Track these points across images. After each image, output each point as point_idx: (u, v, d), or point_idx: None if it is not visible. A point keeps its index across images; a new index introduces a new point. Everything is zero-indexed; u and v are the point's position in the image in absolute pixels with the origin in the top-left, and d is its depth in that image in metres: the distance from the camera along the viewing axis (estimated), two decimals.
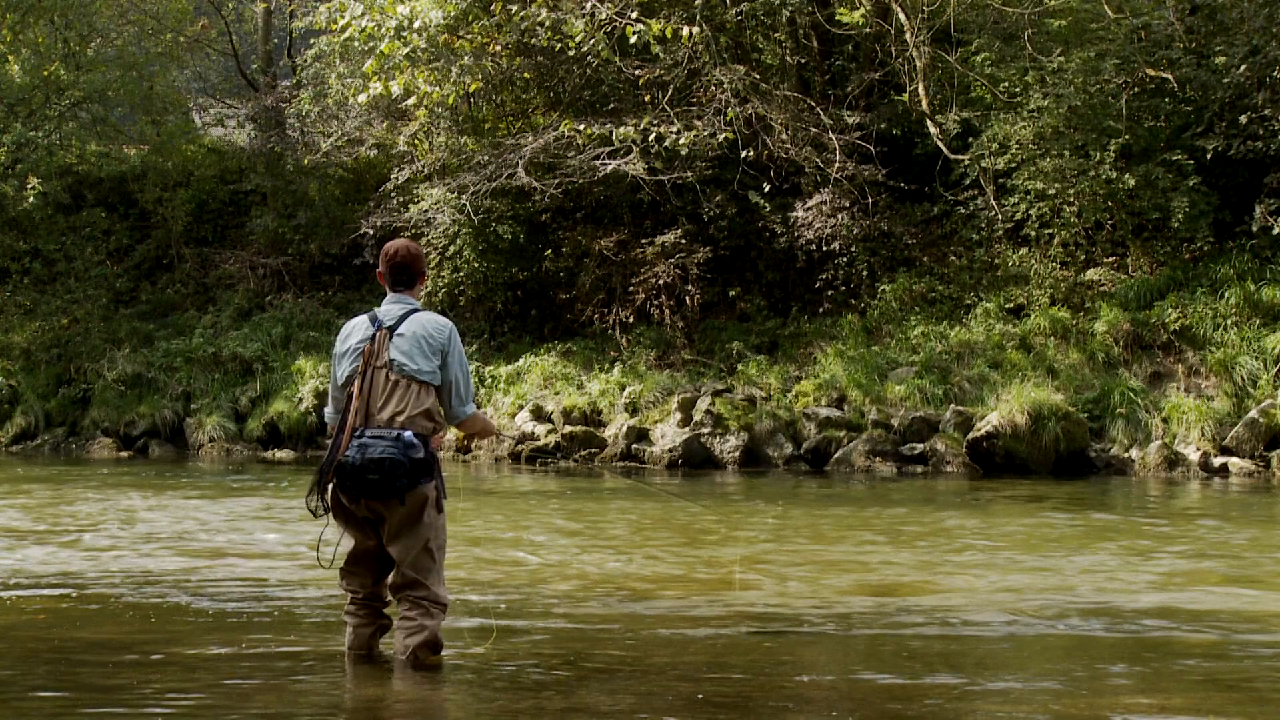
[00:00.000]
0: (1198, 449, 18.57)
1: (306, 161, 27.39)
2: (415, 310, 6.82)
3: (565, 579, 9.94)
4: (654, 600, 9.01)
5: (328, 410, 6.96)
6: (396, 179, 24.58)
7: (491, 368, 23.45)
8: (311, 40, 27.38)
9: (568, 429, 21.48)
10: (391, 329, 6.72)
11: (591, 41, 19.90)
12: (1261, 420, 18.38)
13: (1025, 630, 8.07)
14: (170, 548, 11.50)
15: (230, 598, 8.98)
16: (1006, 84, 22.03)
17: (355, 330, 6.85)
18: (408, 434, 6.55)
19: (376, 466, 6.48)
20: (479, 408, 6.86)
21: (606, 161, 22.31)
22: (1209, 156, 20.61)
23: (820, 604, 8.85)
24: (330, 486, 6.69)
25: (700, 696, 6.28)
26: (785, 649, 7.55)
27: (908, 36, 21.65)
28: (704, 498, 15.64)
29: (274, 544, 11.74)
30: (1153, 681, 6.71)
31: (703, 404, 20.84)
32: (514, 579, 9.92)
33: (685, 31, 18.37)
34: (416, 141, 24.59)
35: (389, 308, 6.85)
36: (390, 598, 6.86)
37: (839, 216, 22.52)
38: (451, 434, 6.50)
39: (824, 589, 9.45)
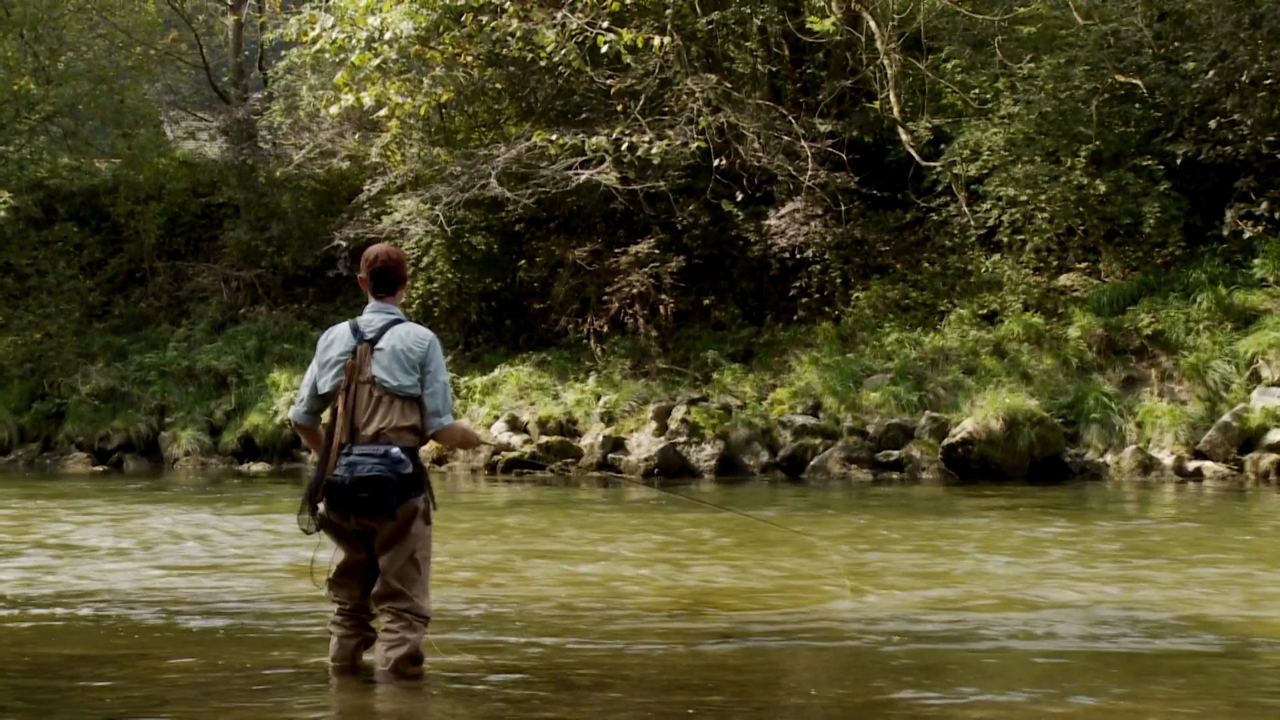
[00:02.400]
0: (1172, 453, 18.64)
1: (279, 174, 27.33)
2: (397, 321, 6.75)
3: (613, 591, 9.84)
4: (694, 614, 8.91)
5: (295, 408, 6.92)
6: (369, 190, 24.55)
7: (466, 378, 23.43)
8: (282, 52, 27.33)
9: (544, 439, 21.48)
10: (372, 342, 6.68)
11: (563, 52, 19.90)
12: (1234, 424, 18.46)
13: (1089, 644, 7.87)
14: (164, 562, 11.46)
15: (217, 613, 8.95)
16: (977, 91, 22.12)
17: (337, 341, 6.79)
18: (395, 450, 6.53)
19: (366, 484, 6.47)
20: (456, 418, 6.82)
21: (579, 171, 22.31)
22: (1179, 162, 20.72)
23: (889, 615, 8.72)
24: (320, 504, 6.68)
25: (691, 712, 6.23)
26: (814, 662, 7.51)
27: (878, 44, 21.73)
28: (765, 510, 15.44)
29: (264, 559, 11.68)
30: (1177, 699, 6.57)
31: (678, 413, 20.85)
32: (547, 591, 9.82)
33: (656, 41, 18.37)
34: (389, 153, 24.56)
35: (370, 317, 6.79)
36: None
37: (812, 224, 22.57)
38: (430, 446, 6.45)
39: (898, 600, 9.31)
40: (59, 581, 10.40)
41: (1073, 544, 12.20)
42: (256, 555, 11.89)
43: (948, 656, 7.58)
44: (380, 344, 6.66)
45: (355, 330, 6.76)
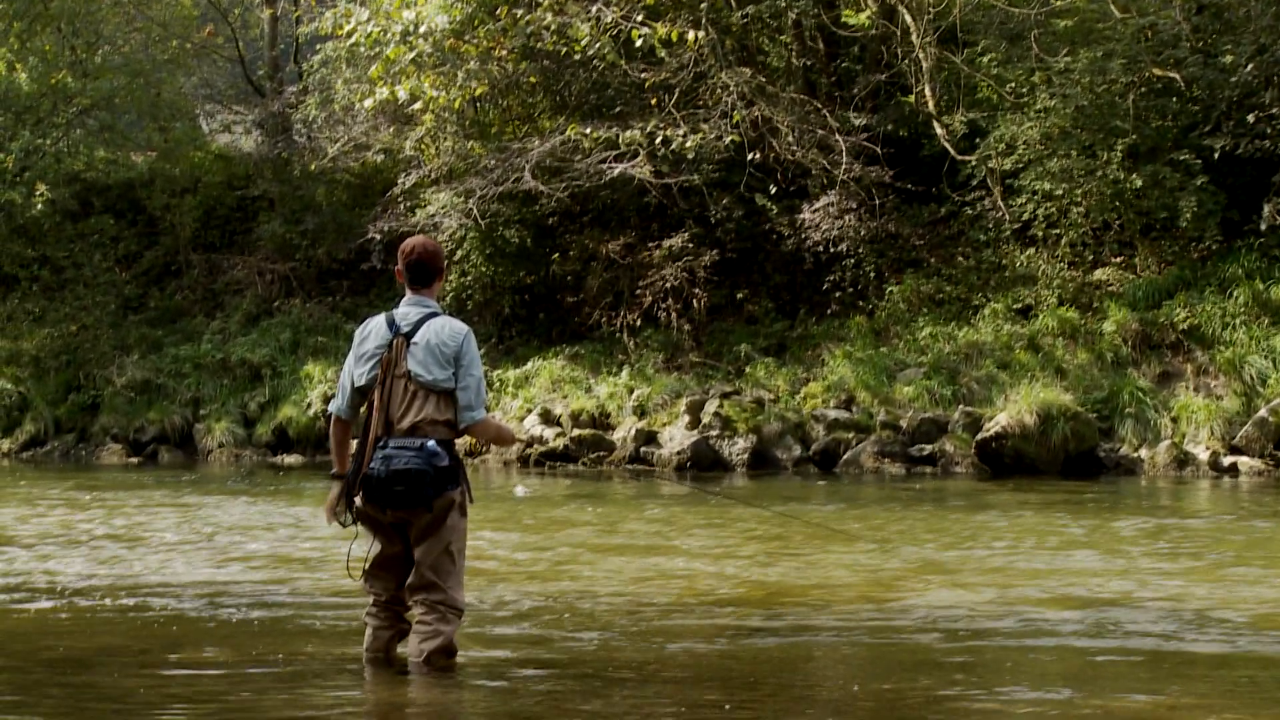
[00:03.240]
0: (1207, 448, 18.54)
1: (313, 167, 27.40)
2: (433, 315, 6.74)
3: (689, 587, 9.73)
4: (751, 610, 8.81)
5: (336, 402, 6.95)
6: (403, 184, 24.58)
7: (500, 371, 23.46)
8: (318, 46, 27.40)
9: (576, 432, 21.49)
10: (408, 336, 6.68)
11: (597, 45, 19.90)
12: (1271, 419, 18.35)
13: (1156, 644, 7.69)
14: (223, 554, 11.50)
15: (261, 605, 8.98)
16: (1013, 84, 22.01)
17: (373, 334, 6.79)
18: (430, 443, 6.53)
19: (402, 478, 6.49)
20: (489, 412, 6.81)
21: (613, 165, 22.30)
22: (1216, 156, 20.56)
23: (956, 612, 8.58)
24: (356, 497, 6.70)
25: (727, 707, 6.20)
26: (865, 658, 7.42)
27: (914, 38, 21.64)
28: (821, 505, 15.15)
29: (326, 552, 11.64)
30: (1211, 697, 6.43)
31: (711, 406, 20.83)
32: (601, 586, 9.74)
33: (691, 35, 18.36)
34: (423, 146, 24.59)
35: (406, 310, 6.79)
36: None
37: (846, 218, 22.50)
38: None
39: (968, 597, 9.15)
40: (112, 574, 10.40)
41: (1146, 541, 12.01)
42: (318, 548, 11.83)
43: (1007, 655, 7.48)
44: (416, 338, 6.66)
45: (391, 323, 6.75)
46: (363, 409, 6.83)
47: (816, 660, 7.48)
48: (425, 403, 6.62)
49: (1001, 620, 8.37)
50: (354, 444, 6.89)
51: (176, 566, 10.79)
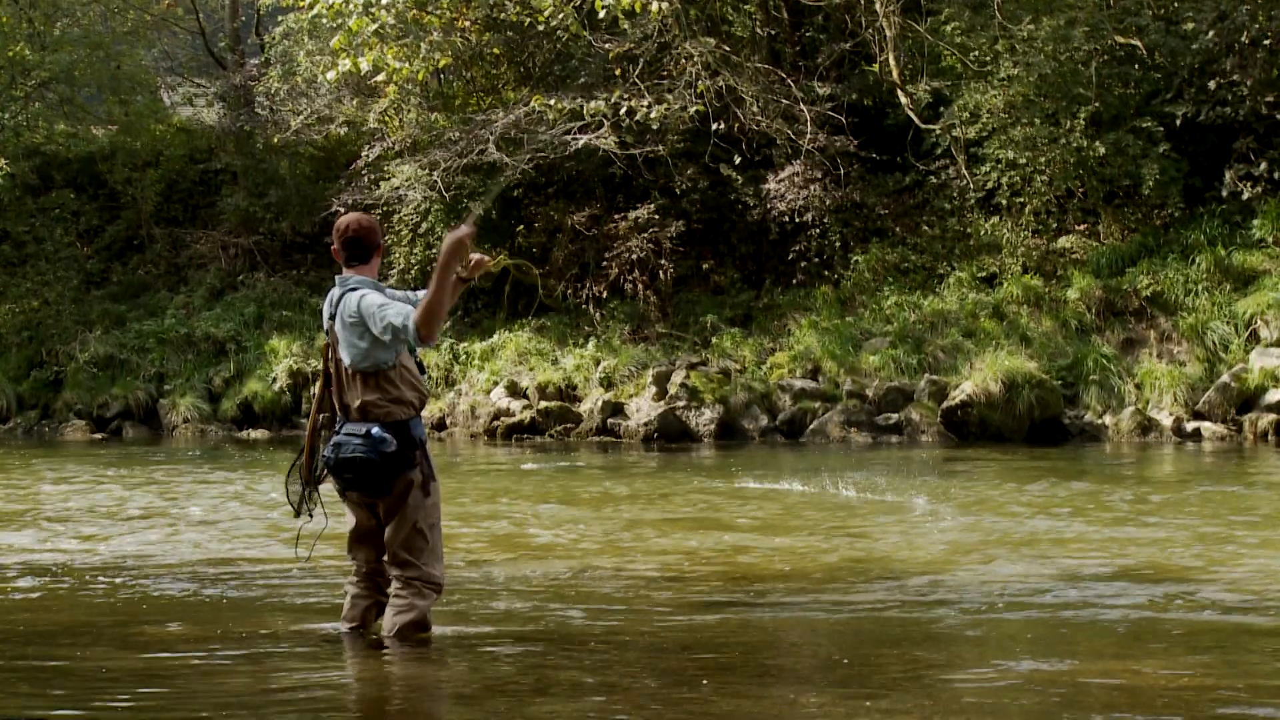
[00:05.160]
0: (1170, 414, 18.68)
1: (276, 140, 27.23)
2: (348, 291, 6.60)
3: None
4: (772, 584, 8.66)
5: None
6: (367, 156, 24.48)
7: (466, 344, 23.42)
8: (279, 17, 27.18)
9: (543, 404, 21.50)
10: (334, 319, 6.64)
11: (560, 16, 19.85)
12: (1233, 384, 18.49)
13: (1193, 615, 7.47)
14: (186, 531, 11.40)
15: (223, 582, 8.93)
16: (976, 53, 22.04)
17: (325, 319, 6.81)
18: (375, 430, 6.51)
19: (349, 466, 6.54)
20: (419, 330, 6.32)
21: (578, 136, 22.25)
22: (1179, 123, 20.68)
23: (990, 585, 8.37)
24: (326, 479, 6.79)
25: (705, 683, 6.11)
26: (867, 631, 7.33)
27: (877, 6, 21.63)
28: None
29: (272, 526, 11.59)
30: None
31: (677, 377, 20.86)
32: (614, 562, 9.56)
33: (654, 6, 18.31)
34: (387, 118, 24.48)
35: (335, 291, 6.70)
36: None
37: (811, 188, 22.54)
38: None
39: (1012, 570, 8.91)
40: (115, 551, 10.30)
41: (1173, 510, 11.80)
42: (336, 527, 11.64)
43: (1028, 628, 7.26)
44: (335, 321, 6.63)
45: (329, 307, 6.74)
46: (316, 388, 6.85)
47: (815, 633, 7.40)
48: (364, 385, 6.59)
49: (1040, 594, 8.13)
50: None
51: (190, 544, 10.66)
